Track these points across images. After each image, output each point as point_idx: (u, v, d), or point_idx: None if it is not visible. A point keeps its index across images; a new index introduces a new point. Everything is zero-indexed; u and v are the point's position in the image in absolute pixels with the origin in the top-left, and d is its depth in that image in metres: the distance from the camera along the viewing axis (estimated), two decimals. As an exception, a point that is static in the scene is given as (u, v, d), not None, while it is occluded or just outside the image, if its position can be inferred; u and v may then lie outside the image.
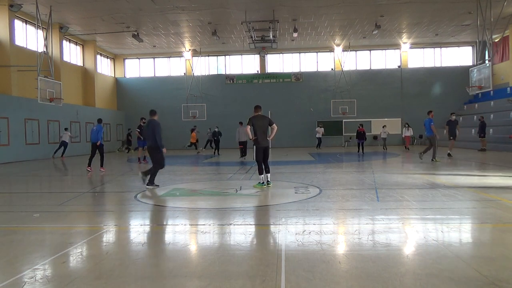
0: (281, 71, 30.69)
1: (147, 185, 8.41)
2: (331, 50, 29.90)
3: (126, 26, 22.98)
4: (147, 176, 8.54)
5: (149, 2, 18.95)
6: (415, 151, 20.34)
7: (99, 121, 13.46)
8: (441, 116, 28.84)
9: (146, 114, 31.98)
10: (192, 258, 3.90)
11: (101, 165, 13.10)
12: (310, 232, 4.48)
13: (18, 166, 16.01)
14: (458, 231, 4.65)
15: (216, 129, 21.87)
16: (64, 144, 20.27)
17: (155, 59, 31.47)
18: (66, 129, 21.32)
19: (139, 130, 15.97)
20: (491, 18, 16.31)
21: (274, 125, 8.39)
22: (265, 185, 8.17)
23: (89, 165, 13.04)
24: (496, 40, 24.64)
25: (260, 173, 8.28)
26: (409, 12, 21.71)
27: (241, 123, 18.69)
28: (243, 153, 17.54)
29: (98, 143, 12.89)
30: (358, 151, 20.19)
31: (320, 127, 25.92)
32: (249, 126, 8.26)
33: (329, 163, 14.90)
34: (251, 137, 8.29)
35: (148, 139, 8.78)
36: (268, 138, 8.46)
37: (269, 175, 8.36)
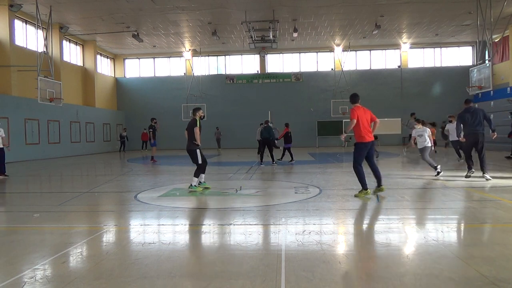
0: (281, 71, 30.69)
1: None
2: (331, 50, 29.89)
3: (126, 26, 22.99)
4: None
5: (149, 2, 18.95)
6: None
7: None
8: (441, 116, 28.90)
9: (145, 114, 31.71)
10: (192, 258, 3.90)
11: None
12: (310, 232, 4.48)
13: (18, 166, 16.01)
14: (458, 231, 4.65)
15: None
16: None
17: (155, 59, 31.47)
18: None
19: (151, 130, 15.86)
20: (491, 18, 16.31)
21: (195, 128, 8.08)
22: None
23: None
24: (496, 40, 24.64)
25: (202, 172, 8.26)
26: (409, 12, 21.70)
27: (261, 124, 19.21)
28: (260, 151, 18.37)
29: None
30: (281, 159, 14.88)
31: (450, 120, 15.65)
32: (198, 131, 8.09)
33: (329, 163, 14.90)
34: (198, 142, 8.04)
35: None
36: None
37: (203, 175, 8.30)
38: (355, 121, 6.72)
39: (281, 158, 14.95)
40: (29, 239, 4.57)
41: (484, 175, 8.73)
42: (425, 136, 9.68)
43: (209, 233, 4.62)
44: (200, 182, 8.13)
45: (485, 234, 4.58)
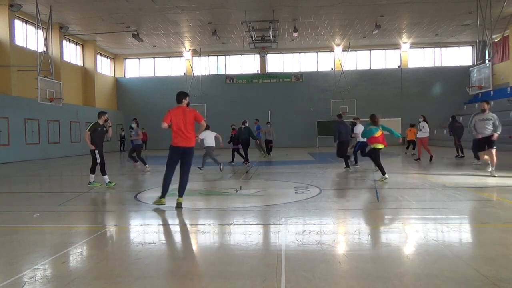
0: (281, 71, 30.69)
1: None
2: (331, 50, 29.89)
3: (126, 26, 22.98)
4: None
5: (149, 2, 18.95)
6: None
7: None
8: (441, 116, 28.90)
9: (146, 114, 31.73)
10: (192, 258, 3.90)
11: None
12: (310, 232, 4.47)
13: (18, 166, 16.01)
14: (458, 231, 4.65)
15: None
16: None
17: (155, 59, 31.47)
18: None
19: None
20: (491, 18, 16.31)
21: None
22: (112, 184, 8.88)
23: None
24: (496, 40, 24.64)
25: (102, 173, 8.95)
26: (409, 12, 21.71)
27: (268, 122, 19.98)
28: (268, 151, 18.72)
29: None
30: (233, 161, 14.41)
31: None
32: (89, 133, 8.75)
33: (329, 163, 14.90)
34: (90, 146, 8.80)
35: None
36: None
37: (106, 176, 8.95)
38: (164, 124, 5.98)
39: (232, 160, 14.44)
40: (29, 239, 4.56)
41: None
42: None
43: (209, 233, 4.62)
44: (108, 181, 8.92)
45: (485, 234, 4.58)
